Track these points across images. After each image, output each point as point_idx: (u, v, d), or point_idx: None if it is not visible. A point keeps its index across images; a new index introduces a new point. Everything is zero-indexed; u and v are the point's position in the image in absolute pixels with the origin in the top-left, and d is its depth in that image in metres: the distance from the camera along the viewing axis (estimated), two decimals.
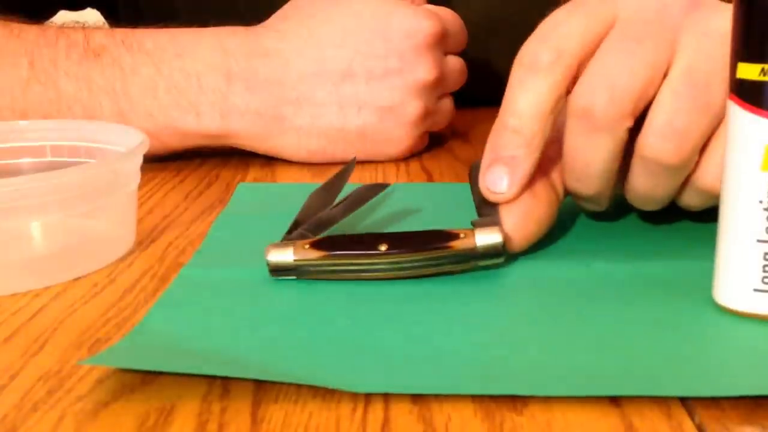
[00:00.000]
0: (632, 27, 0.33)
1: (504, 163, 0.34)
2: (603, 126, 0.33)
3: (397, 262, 0.34)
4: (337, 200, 0.39)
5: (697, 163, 0.34)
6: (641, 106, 0.33)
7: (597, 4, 0.34)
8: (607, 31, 0.34)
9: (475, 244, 0.34)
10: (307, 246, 0.34)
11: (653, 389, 0.26)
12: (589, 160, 0.34)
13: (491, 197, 0.35)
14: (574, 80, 0.34)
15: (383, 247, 0.34)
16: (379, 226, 0.41)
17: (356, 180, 0.43)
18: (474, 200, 0.37)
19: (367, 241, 0.34)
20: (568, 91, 0.34)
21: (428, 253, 0.34)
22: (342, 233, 0.36)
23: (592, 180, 0.35)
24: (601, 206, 0.38)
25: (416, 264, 0.34)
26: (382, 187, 0.41)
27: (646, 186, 0.35)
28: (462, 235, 0.34)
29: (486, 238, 0.34)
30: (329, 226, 0.36)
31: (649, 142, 0.33)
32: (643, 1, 0.34)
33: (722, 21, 0.32)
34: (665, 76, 0.33)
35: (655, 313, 0.31)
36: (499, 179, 0.35)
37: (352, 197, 0.39)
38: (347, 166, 0.41)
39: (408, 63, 0.52)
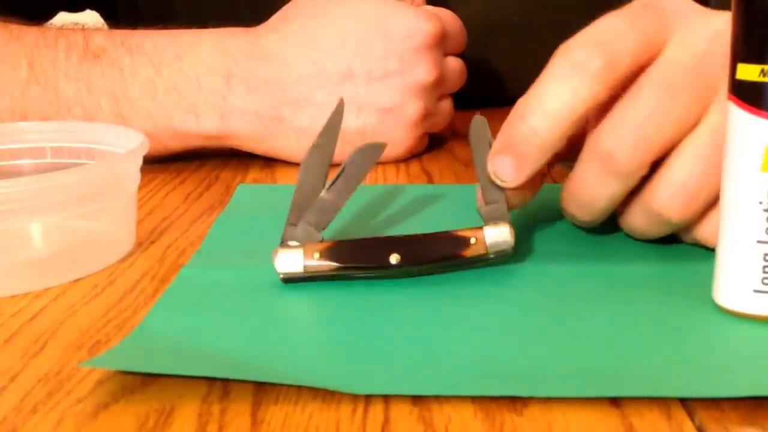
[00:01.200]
0: (673, 73, 0.32)
1: (514, 156, 0.34)
2: (621, 172, 0.32)
3: (409, 272, 0.34)
4: (334, 176, 0.37)
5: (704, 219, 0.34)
6: (662, 156, 0.33)
7: (654, 25, 0.33)
8: (655, 56, 0.32)
9: (487, 249, 0.34)
10: (317, 255, 0.34)
11: (653, 390, 0.26)
12: (596, 197, 0.34)
13: (495, 180, 0.35)
14: (607, 97, 0.33)
15: (394, 259, 0.34)
16: (383, 227, 0.41)
17: None
18: (474, 158, 0.36)
19: (377, 250, 0.34)
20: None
21: (440, 263, 0.34)
22: (350, 239, 0.35)
23: (592, 211, 0.35)
24: (592, 226, 0.37)
25: (427, 272, 0.35)
26: (377, 149, 0.37)
27: (642, 227, 0.35)
28: (473, 240, 0.34)
29: (497, 242, 0.34)
30: (332, 213, 0.35)
31: (659, 196, 0.33)
32: (693, 42, 0.32)
33: None
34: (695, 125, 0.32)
35: (654, 314, 0.31)
36: (506, 169, 0.34)
37: (350, 171, 0.36)
38: (335, 114, 0.37)
39: (408, 64, 0.52)
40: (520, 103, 0.34)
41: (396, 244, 0.34)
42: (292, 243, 0.34)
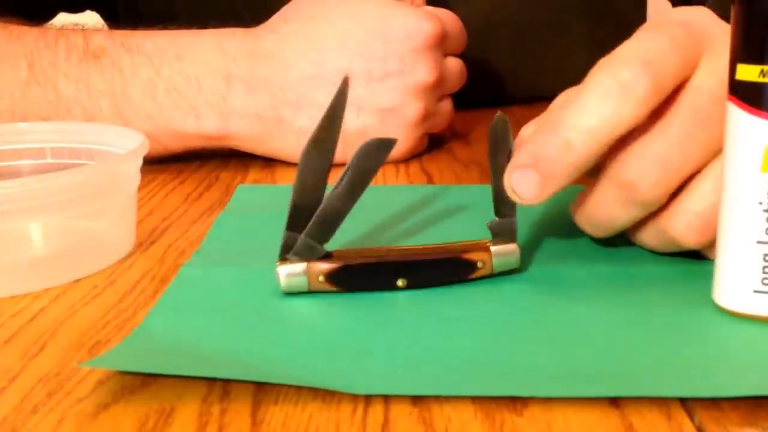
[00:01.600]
0: (702, 102, 0.31)
1: (540, 173, 0.31)
2: (643, 202, 0.32)
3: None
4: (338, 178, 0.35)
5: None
6: (683, 183, 0.32)
7: (692, 47, 0.32)
8: (688, 79, 0.32)
9: (493, 270, 0.34)
10: (321, 278, 0.33)
11: (653, 390, 0.26)
12: (613, 220, 0.34)
13: (511, 195, 0.32)
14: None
15: (401, 283, 0.34)
16: (385, 231, 0.41)
17: None
18: (490, 162, 0.34)
19: (384, 275, 0.34)
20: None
21: (446, 286, 0.34)
22: (355, 260, 0.34)
23: (606, 231, 0.35)
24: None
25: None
26: (385, 146, 0.34)
27: (654, 246, 0.35)
28: (479, 264, 0.34)
29: (504, 263, 0.34)
30: (335, 224, 0.34)
31: (676, 224, 0.33)
32: (720, 69, 0.31)
33: None
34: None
35: (654, 314, 0.31)
36: (528, 185, 0.32)
37: (355, 174, 0.33)
38: (338, 97, 0.34)
39: (407, 65, 0.52)
40: (552, 116, 0.32)
41: (402, 268, 0.34)
42: (293, 258, 0.33)
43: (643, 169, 0.31)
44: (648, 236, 0.35)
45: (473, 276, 0.34)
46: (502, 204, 0.34)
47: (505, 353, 0.29)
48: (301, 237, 0.34)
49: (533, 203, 0.32)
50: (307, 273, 0.33)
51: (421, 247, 0.35)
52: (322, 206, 0.34)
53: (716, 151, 0.32)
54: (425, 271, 0.34)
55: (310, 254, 0.34)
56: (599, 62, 0.32)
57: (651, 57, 0.31)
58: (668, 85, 0.31)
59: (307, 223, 0.34)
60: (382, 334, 0.30)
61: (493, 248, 0.34)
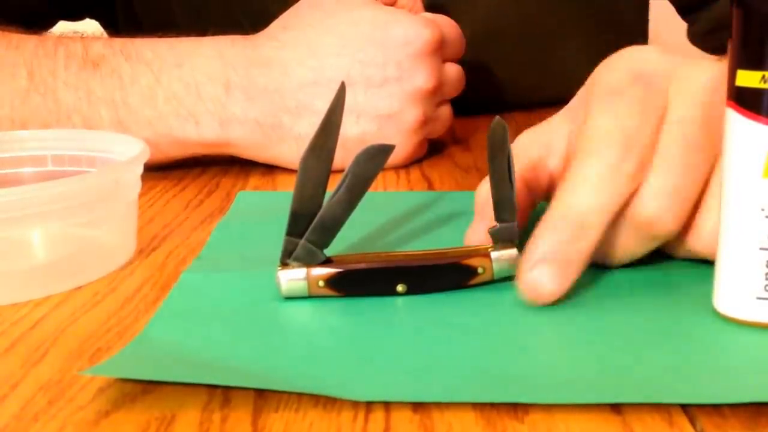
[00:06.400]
0: (691, 130, 0.32)
1: (557, 265, 0.32)
2: (660, 237, 0.33)
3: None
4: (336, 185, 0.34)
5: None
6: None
7: (655, 99, 0.33)
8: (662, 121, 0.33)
9: (494, 276, 0.34)
10: (321, 283, 0.33)
11: (655, 396, 0.26)
12: (629, 254, 0.34)
13: (530, 296, 0.32)
14: None
15: (401, 288, 0.34)
16: (384, 237, 0.41)
17: None
18: (489, 169, 0.34)
19: (384, 281, 0.34)
20: None
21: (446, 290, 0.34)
22: (355, 265, 0.34)
23: (620, 262, 0.35)
24: None
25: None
26: (383, 152, 0.34)
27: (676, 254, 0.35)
28: (480, 270, 0.34)
29: (504, 269, 0.34)
30: (334, 230, 0.34)
31: (701, 247, 0.33)
32: (694, 97, 0.32)
33: None
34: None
35: (656, 321, 0.31)
36: (546, 281, 0.32)
37: (354, 180, 0.33)
38: (335, 103, 0.34)
39: (406, 71, 0.52)
40: (553, 208, 0.32)
41: (402, 273, 0.34)
42: (294, 263, 0.34)
43: (659, 206, 0.32)
44: (679, 255, 0.35)
45: (474, 282, 0.34)
46: (502, 209, 0.34)
47: (506, 359, 0.29)
48: (302, 242, 0.34)
49: (554, 299, 0.32)
50: (307, 278, 0.33)
51: (421, 252, 0.35)
52: (321, 212, 0.34)
53: (713, 170, 0.32)
54: (425, 276, 0.34)
55: (310, 259, 0.34)
56: (579, 142, 0.33)
57: (628, 133, 0.32)
58: (649, 156, 0.32)
59: (307, 229, 0.34)
60: (382, 341, 0.30)
61: (493, 254, 0.34)
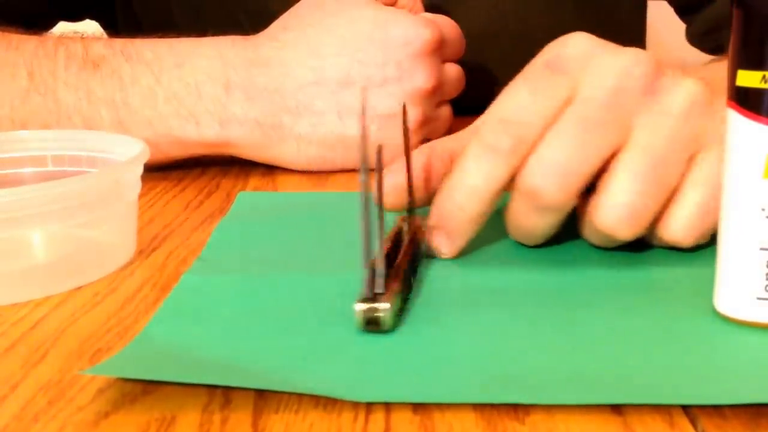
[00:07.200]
0: (586, 111, 0.34)
1: (446, 233, 0.36)
2: (549, 207, 0.34)
3: None
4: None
5: (661, 218, 0.35)
6: (587, 185, 0.34)
7: (556, 81, 0.35)
8: (565, 109, 0.34)
9: None
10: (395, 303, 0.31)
11: (655, 397, 0.26)
12: (533, 228, 0.36)
13: (436, 254, 0.37)
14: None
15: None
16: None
17: (353, 188, 0.42)
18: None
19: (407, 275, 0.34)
20: None
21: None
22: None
23: (535, 239, 0.37)
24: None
25: None
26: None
27: (598, 243, 0.37)
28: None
29: None
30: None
31: (604, 219, 0.34)
32: (601, 82, 0.34)
33: (680, 100, 0.34)
34: (618, 152, 0.34)
35: (656, 321, 0.31)
36: (441, 244, 0.37)
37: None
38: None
39: (406, 71, 0.52)
40: (448, 180, 0.36)
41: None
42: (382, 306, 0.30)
43: (541, 175, 0.34)
44: (589, 234, 0.36)
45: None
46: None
47: (506, 360, 0.29)
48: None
49: (452, 256, 0.37)
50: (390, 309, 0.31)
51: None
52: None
53: (613, 150, 0.34)
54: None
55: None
56: (474, 123, 0.37)
57: (508, 114, 0.35)
58: (531, 132, 0.34)
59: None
60: (382, 342, 0.30)
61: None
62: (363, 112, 0.32)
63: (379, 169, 0.32)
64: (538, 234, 0.36)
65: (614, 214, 0.34)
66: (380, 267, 0.31)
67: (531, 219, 0.35)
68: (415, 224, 0.37)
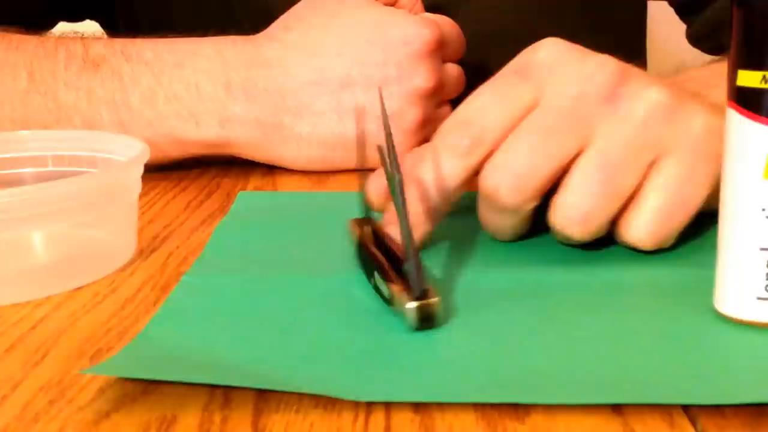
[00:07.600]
0: (546, 117, 0.35)
1: (414, 219, 0.36)
2: (507, 208, 0.35)
3: None
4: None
5: (622, 221, 0.36)
6: (546, 189, 0.35)
7: (521, 87, 0.36)
8: (527, 115, 0.35)
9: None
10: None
11: (655, 397, 0.26)
12: (498, 228, 0.38)
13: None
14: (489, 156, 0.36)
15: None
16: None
17: (353, 188, 0.43)
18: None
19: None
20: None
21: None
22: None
23: (504, 236, 0.38)
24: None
25: None
26: None
27: (562, 240, 0.37)
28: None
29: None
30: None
31: (557, 220, 0.35)
32: (563, 89, 0.35)
33: (641, 107, 0.35)
34: (577, 156, 0.35)
35: (656, 321, 0.31)
36: (415, 226, 0.36)
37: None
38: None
39: (406, 71, 0.52)
40: (410, 176, 0.36)
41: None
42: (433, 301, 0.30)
43: (498, 177, 0.34)
44: (554, 235, 0.37)
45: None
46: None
47: (506, 360, 0.29)
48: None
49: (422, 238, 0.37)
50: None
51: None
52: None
53: (571, 156, 0.34)
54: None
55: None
56: (443, 124, 0.37)
57: (469, 116, 0.36)
58: (490, 135, 0.35)
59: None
60: (383, 342, 0.30)
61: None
62: (383, 112, 0.33)
63: (393, 173, 0.32)
64: (506, 232, 0.38)
65: (566, 214, 0.35)
66: (420, 263, 0.31)
67: (494, 218, 0.37)
68: (375, 225, 0.37)
